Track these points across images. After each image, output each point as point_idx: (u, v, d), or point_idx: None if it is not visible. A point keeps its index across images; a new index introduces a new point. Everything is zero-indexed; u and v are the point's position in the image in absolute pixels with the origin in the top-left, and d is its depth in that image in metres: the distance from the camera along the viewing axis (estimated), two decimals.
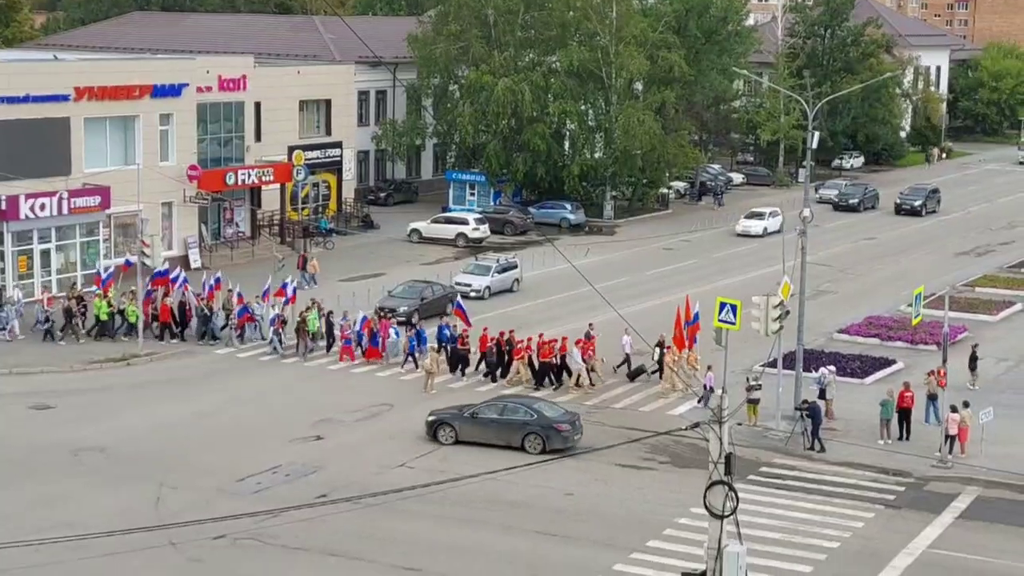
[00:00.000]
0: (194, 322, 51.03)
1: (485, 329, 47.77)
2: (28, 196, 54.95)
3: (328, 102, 77.25)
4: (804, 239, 43.90)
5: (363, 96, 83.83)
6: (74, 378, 46.07)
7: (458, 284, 59.17)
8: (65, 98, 57.95)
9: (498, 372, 46.90)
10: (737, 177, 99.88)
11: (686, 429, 23.63)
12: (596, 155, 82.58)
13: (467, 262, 64.37)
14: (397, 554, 31.49)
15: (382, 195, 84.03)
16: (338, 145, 77.57)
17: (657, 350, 45.84)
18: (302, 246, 66.76)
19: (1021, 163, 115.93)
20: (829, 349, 50.37)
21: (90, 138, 59.21)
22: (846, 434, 41.47)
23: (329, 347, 49.87)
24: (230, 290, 51.90)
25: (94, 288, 52.61)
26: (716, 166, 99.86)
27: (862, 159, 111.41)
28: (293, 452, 38.77)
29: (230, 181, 65.91)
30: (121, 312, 50.90)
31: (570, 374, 46.31)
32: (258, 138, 69.56)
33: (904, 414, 41.08)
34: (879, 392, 43.04)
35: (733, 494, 19.96)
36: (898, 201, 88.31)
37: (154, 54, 76.61)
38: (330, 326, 49.98)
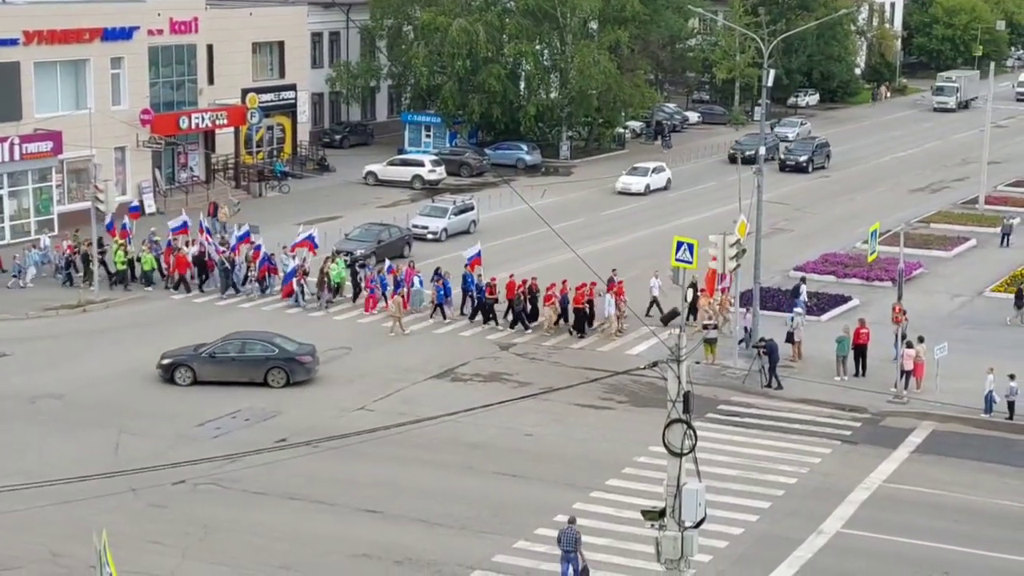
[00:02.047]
0: (215, 274, 50.26)
1: (511, 276, 46.92)
2: None
3: (281, 44, 76.53)
4: (760, 177, 44.03)
5: (316, 38, 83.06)
6: (30, 325, 45.75)
7: (415, 226, 59.04)
8: (14, 42, 57.14)
9: (522, 319, 46.09)
10: (693, 116, 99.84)
11: (644, 368, 23.71)
12: (552, 95, 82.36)
13: (424, 204, 64.16)
14: (358, 497, 31.59)
15: (337, 138, 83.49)
16: (292, 88, 76.95)
17: (690, 291, 45.59)
18: (210, 195, 64.76)
19: (935, 109, 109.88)
20: (786, 287, 50.62)
21: (40, 83, 58.47)
22: (803, 371, 41.80)
23: (355, 297, 49.04)
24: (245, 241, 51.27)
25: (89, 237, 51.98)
26: (671, 105, 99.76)
27: (817, 97, 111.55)
28: (251, 397, 38.71)
29: (183, 125, 65.32)
30: (138, 260, 50.52)
31: (590, 321, 45.62)
32: (211, 81, 68.85)
33: (860, 350, 41.41)
34: (835, 329, 43.35)
35: (691, 432, 20.11)
36: (782, 156, 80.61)
37: None
38: (355, 275, 49.14)
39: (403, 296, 46.47)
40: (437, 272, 48.04)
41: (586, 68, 78.53)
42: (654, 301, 46.76)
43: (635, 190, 70.82)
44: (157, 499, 30.84)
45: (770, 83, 48.36)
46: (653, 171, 72.82)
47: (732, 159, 75.01)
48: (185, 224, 52.81)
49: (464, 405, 35.77)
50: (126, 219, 53.17)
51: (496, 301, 46.63)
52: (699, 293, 45.14)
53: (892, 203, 69.94)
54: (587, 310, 45.43)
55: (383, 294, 48.01)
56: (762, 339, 41.44)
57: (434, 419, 33.16)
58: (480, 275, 47.55)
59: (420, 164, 73.09)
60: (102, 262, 50.36)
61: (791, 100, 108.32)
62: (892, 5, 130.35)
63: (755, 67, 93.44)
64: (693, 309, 45.14)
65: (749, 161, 71.95)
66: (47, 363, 41.44)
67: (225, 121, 68.04)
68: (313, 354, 40.56)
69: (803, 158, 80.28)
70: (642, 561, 27.95)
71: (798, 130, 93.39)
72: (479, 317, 46.77)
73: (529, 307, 46.30)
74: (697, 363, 40.56)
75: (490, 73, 78.03)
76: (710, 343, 42.22)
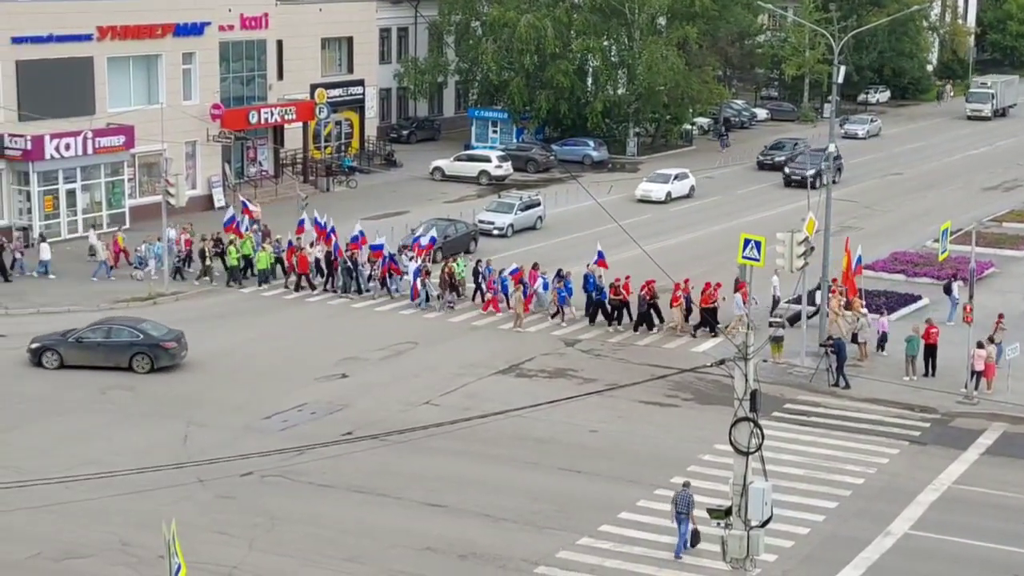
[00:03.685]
0: (338, 273, 49.97)
1: (627, 278, 45.96)
2: (53, 136, 55.02)
3: (350, 39, 76.94)
4: (829, 174, 43.69)
5: (385, 33, 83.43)
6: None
7: (481, 222, 59.13)
8: (88, 37, 57.86)
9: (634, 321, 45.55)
10: (761, 113, 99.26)
11: (711, 366, 23.62)
12: (619, 91, 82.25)
13: (490, 200, 64.28)
14: (423, 491, 31.70)
15: (404, 133, 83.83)
16: (360, 83, 77.36)
17: (819, 293, 45.24)
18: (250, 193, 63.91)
19: (969, 117, 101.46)
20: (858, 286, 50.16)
21: (114, 77, 59.16)
22: (871, 371, 41.43)
23: (475, 298, 48.51)
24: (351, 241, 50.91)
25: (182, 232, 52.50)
26: (740, 102, 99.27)
27: (888, 93, 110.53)
28: (318, 390, 38.97)
29: (253, 120, 65.85)
30: (247, 258, 50.65)
31: (701, 322, 44.99)
32: (280, 76, 69.39)
33: (930, 350, 40.98)
34: (905, 328, 42.94)
35: (758, 431, 20.01)
36: (787, 171, 73.36)
37: None
38: (477, 276, 48.57)
39: (525, 295, 45.94)
40: (559, 273, 47.35)
41: (654, 64, 78.33)
42: (776, 301, 46.09)
43: (655, 198, 67.47)
44: (225, 490, 31.12)
45: (840, 80, 47.86)
46: (675, 178, 69.65)
47: (787, 182, 71.93)
48: (233, 219, 52.68)
49: (529, 400, 35.79)
50: (235, 215, 53.10)
51: (623, 303, 45.82)
52: (830, 294, 44.64)
53: (964, 201, 69.17)
54: (714, 309, 44.69)
55: (504, 296, 47.49)
56: (829, 338, 41.13)
57: (500, 414, 33.21)
58: (600, 276, 46.70)
59: (487, 160, 73.21)
60: (219, 256, 50.74)
61: (861, 97, 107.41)
62: (965, 1, 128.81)
63: (825, 63, 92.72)
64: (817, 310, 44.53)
65: (806, 185, 71.28)
66: None
67: (294, 116, 68.52)
68: (179, 340, 40.81)
69: (810, 172, 70.53)
70: (708, 560, 27.85)
71: (868, 127, 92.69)
72: (598, 318, 46.03)
73: (637, 309, 45.50)
74: (764, 361, 40.32)
75: (558, 69, 78.01)
76: (777, 341, 41.95)
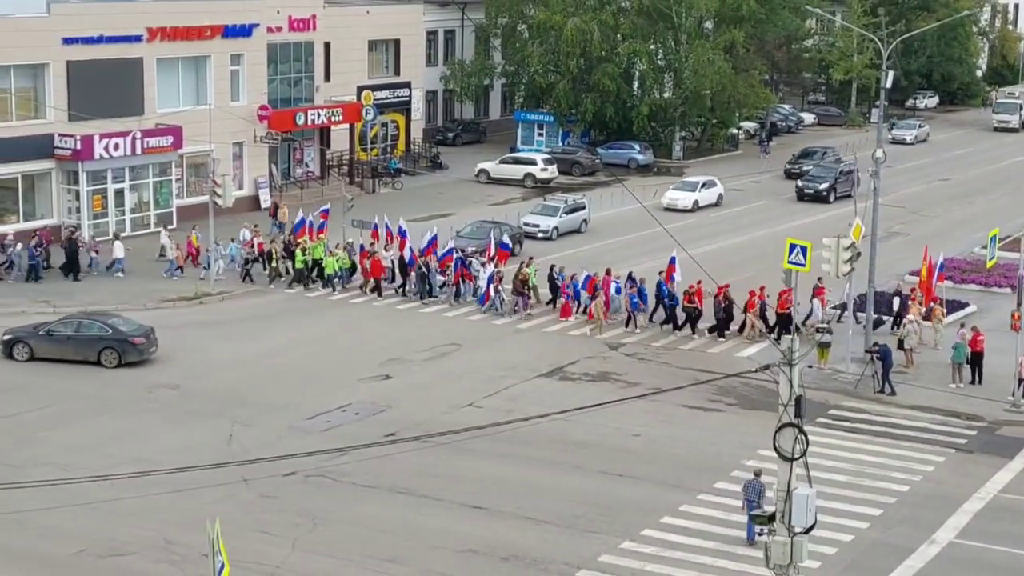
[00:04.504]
0: (412, 278, 49.60)
1: (699, 283, 45.17)
2: (102, 136, 55.46)
3: (397, 42, 77.19)
4: (876, 180, 43.45)
5: (432, 36, 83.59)
6: (147, 316, 46.50)
7: (526, 224, 59.14)
8: (138, 39, 58.31)
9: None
10: (808, 117, 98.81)
11: (755, 371, 23.53)
12: (665, 95, 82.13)
13: (535, 202, 64.29)
14: (465, 493, 31.73)
15: (450, 135, 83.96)
16: (407, 85, 77.56)
17: (896, 299, 44.97)
18: (274, 195, 64.17)
19: (996, 129, 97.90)
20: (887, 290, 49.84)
21: (162, 78, 59.59)
22: (917, 377, 41.13)
23: (552, 303, 48.02)
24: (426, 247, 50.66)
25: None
26: (787, 106, 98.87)
27: (936, 99, 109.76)
28: (362, 391, 39.09)
29: (300, 121, 66.16)
30: (318, 262, 50.50)
31: (767, 326, 44.60)
32: (327, 78, 69.67)
33: (976, 358, 40.64)
34: (951, 335, 42.60)
35: (803, 437, 19.90)
36: (800, 184, 70.94)
37: None
38: (552, 281, 48.02)
39: (604, 301, 45.60)
40: (631, 277, 46.98)
41: (701, 68, 78.15)
42: (843, 306, 45.78)
43: (682, 206, 65.87)
44: (268, 489, 31.25)
45: (888, 85, 47.58)
46: (703, 186, 68.13)
47: (800, 196, 69.76)
48: (304, 222, 52.89)
49: (572, 404, 35.77)
50: (308, 219, 53.12)
51: (699, 310, 45.30)
52: (909, 301, 44.26)
53: (1011, 207, 68.55)
54: (789, 314, 43.99)
55: (576, 300, 47.18)
56: (875, 344, 40.85)
57: (542, 417, 33.20)
58: (671, 282, 46.18)
59: (532, 163, 73.23)
60: (287, 257, 50.89)
61: (909, 102, 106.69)
62: (1016, 6, 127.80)
63: (873, 68, 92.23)
64: (897, 317, 44.23)
65: (822, 199, 68.55)
66: (163, 353, 42.15)
67: (340, 118, 68.80)
68: (148, 336, 41.12)
69: (823, 186, 70.24)
70: (750, 566, 27.75)
71: (915, 132, 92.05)
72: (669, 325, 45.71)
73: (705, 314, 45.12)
74: (809, 367, 40.09)
75: (604, 72, 77.95)
76: (823, 347, 41.71)
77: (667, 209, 64.95)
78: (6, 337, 41.19)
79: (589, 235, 60.49)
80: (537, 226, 59.21)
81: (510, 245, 52.00)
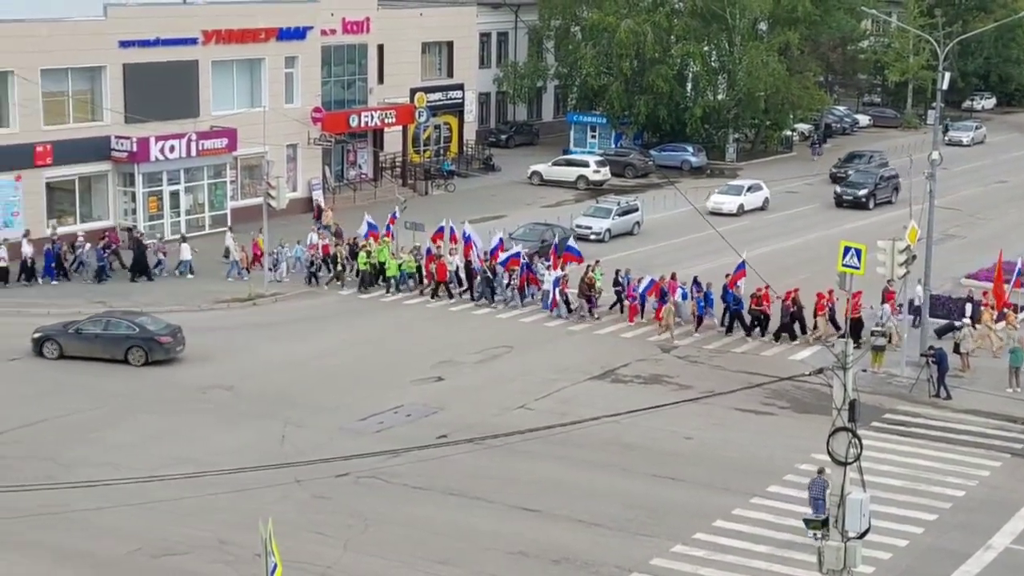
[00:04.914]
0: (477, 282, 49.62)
1: (767, 287, 44.92)
2: (158, 138, 55.93)
3: (450, 44, 77.36)
4: (932, 182, 43.09)
5: (485, 38, 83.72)
6: (202, 317, 46.96)
7: (578, 226, 59.09)
8: (193, 41, 58.77)
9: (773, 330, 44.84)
10: (863, 119, 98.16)
11: (809, 375, 23.38)
12: (719, 97, 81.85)
13: (588, 204, 64.26)
14: (517, 495, 31.72)
15: (503, 137, 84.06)
16: (460, 87, 77.71)
17: (969, 305, 44.61)
18: (322, 198, 63.93)
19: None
20: (956, 295, 49.41)
21: (217, 81, 60.03)
22: (973, 382, 40.73)
23: (616, 307, 47.65)
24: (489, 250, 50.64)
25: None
26: (841, 108, 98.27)
27: (994, 100, 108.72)
28: (414, 392, 39.17)
29: (353, 123, 66.45)
30: (382, 264, 50.45)
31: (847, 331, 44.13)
32: (381, 80, 69.91)
33: None
34: (1007, 339, 42.15)
35: (857, 441, 19.77)
36: (838, 190, 69.70)
37: None
38: (617, 284, 47.67)
39: (674, 305, 45.36)
40: (696, 282, 46.70)
41: (755, 70, 77.86)
42: (917, 310, 45.27)
43: (726, 210, 65.07)
44: (321, 490, 31.37)
45: (945, 86, 47.13)
46: (748, 189, 67.51)
47: (838, 202, 68.55)
48: (371, 227, 52.75)
49: (624, 406, 35.66)
50: (370, 221, 53.26)
51: (765, 314, 45.05)
52: (982, 307, 43.83)
53: None
54: (860, 319, 43.72)
55: (641, 305, 46.91)
56: (931, 348, 40.51)
57: (594, 420, 33.14)
58: (738, 286, 45.87)
59: (585, 164, 73.20)
60: (352, 260, 51.11)
61: (966, 104, 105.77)
62: None
63: (929, 70, 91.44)
64: (972, 322, 43.50)
65: (861, 205, 67.52)
66: (218, 354, 42.48)
67: (393, 120, 69.03)
68: (175, 335, 41.41)
69: (863, 192, 68.90)
70: (803, 571, 27.56)
71: (972, 134, 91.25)
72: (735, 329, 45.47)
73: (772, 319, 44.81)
74: (864, 371, 39.82)
75: (657, 74, 77.78)
76: (878, 351, 41.40)
77: (712, 213, 63.88)
78: (37, 335, 41.70)
79: (641, 237, 60.37)
80: (589, 228, 59.15)
81: (579, 250, 51.03)
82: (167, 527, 29.43)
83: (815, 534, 20.52)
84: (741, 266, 46.04)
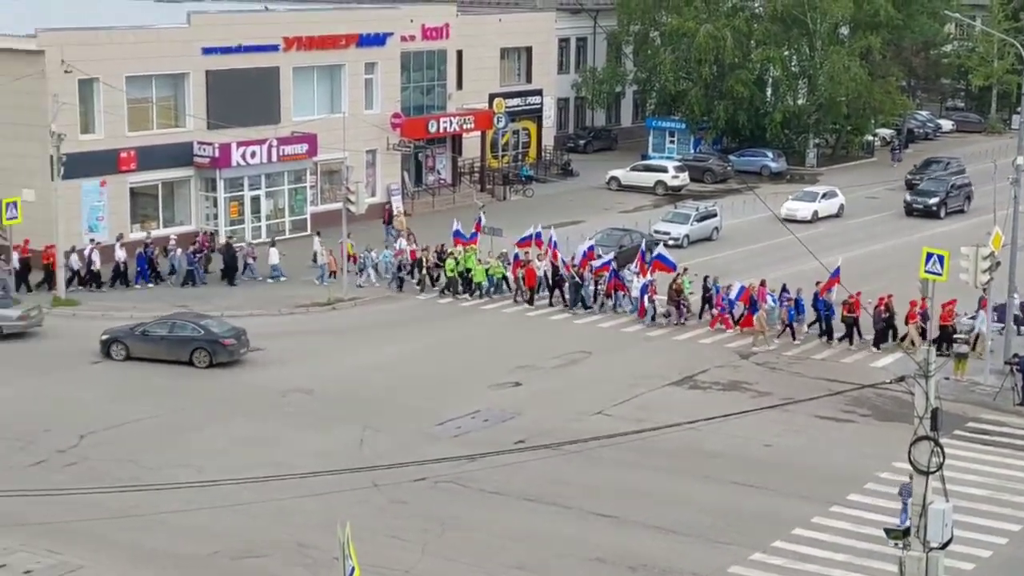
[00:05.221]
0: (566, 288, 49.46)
1: (858, 294, 44.57)
2: (239, 144, 56.52)
3: (529, 49, 77.43)
4: (1017, 187, 42.47)
5: (564, 43, 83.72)
6: (281, 321, 47.37)
7: (656, 232, 58.87)
8: (275, 48, 59.34)
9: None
10: (947, 124, 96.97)
11: (890, 383, 23.15)
12: (799, 102, 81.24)
13: (666, 210, 64.04)
14: (594, 501, 31.66)
15: (581, 142, 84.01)
16: (538, 92, 77.77)
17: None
18: (395, 205, 63.17)
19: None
20: None
21: (298, 87, 60.56)
22: None
23: (702, 314, 47.49)
24: (579, 255, 50.17)
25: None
26: (924, 112, 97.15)
27: None
28: (492, 397, 39.24)
29: (432, 129, 66.72)
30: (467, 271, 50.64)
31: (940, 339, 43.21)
32: (459, 86, 70.15)
33: None
34: None
35: (939, 450, 19.54)
36: (908, 199, 67.86)
37: (359, 3, 77.76)
38: (706, 291, 47.44)
39: (755, 312, 45.07)
40: (785, 289, 46.16)
41: (836, 74, 77.20)
42: (1018, 320, 44.21)
43: (800, 217, 64.01)
44: (399, 495, 31.52)
45: None
46: (823, 196, 66.65)
47: (908, 211, 66.96)
48: (535, 236, 51.94)
49: (702, 413, 35.49)
50: (458, 228, 53.02)
51: (857, 319, 44.43)
52: None
53: None
54: (952, 327, 43.17)
55: (730, 313, 46.50)
56: (1016, 355, 39.92)
57: (672, 426, 33.02)
58: (832, 294, 45.11)
59: (663, 170, 72.96)
60: (439, 266, 51.30)
61: None
62: None
63: (1014, 73, 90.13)
64: None
65: (932, 214, 65.72)
66: (298, 358, 42.83)
67: (472, 125, 69.22)
68: (239, 337, 41.77)
69: (933, 201, 66.87)
70: None
71: None
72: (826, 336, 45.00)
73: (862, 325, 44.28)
74: (946, 379, 39.33)
75: (737, 79, 77.39)
76: (961, 358, 40.87)
77: (786, 220, 62.11)
78: (105, 337, 42.40)
79: (720, 243, 60.06)
80: (668, 234, 58.90)
81: (675, 262, 49.61)
82: (248, 529, 29.73)
83: (897, 544, 20.27)
84: (835, 272, 45.41)
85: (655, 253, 50.02)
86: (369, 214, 56.26)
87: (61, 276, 48.78)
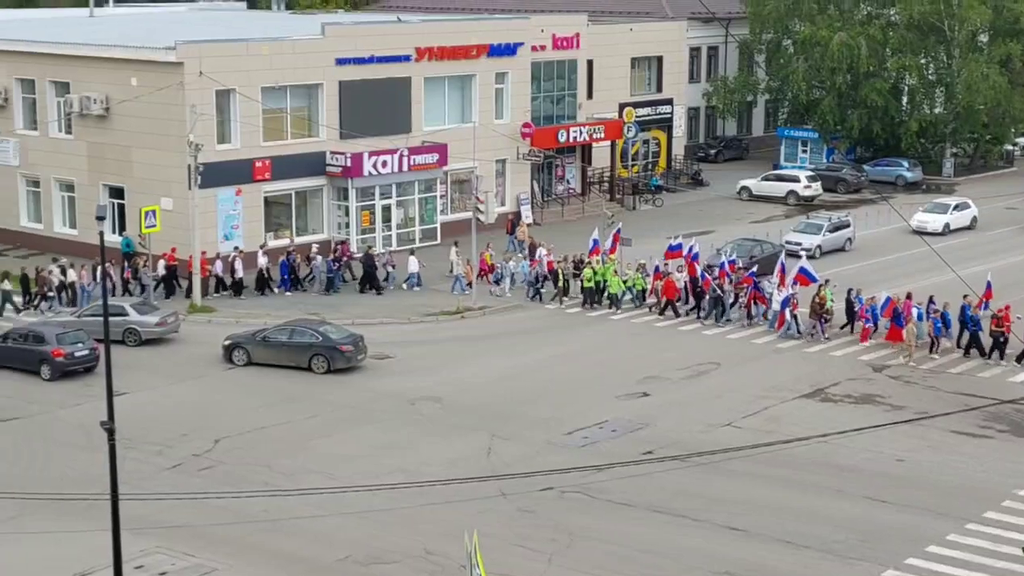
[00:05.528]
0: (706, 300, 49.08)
1: (1007, 307, 43.44)
2: (371, 154, 57.16)
3: (660, 59, 77.18)
4: None
5: (695, 53, 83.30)
6: (411, 329, 47.77)
7: (788, 243, 58.16)
8: (407, 58, 59.92)
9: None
10: None
11: None
12: (936, 111, 79.75)
13: (798, 220, 63.31)
14: (723, 514, 31.40)
15: (712, 152, 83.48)
16: (669, 102, 77.45)
17: None
18: (519, 215, 63.12)
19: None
20: None
21: (429, 97, 61.06)
22: None
23: (849, 327, 46.58)
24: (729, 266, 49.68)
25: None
26: None
27: None
28: (620, 408, 39.13)
29: (562, 138, 66.79)
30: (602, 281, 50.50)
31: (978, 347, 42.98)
32: (590, 96, 70.13)
33: None
34: None
35: None
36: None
37: (490, 14, 78.21)
38: (850, 305, 46.42)
39: (901, 325, 44.14)
40: (932, 301, 45.17)
41: (974, 83, 75.61)
42: None
43: (931, 229, 62.10)
44: (526, 504, 31.57)
45: None
46: (955, 208, 64.83)
47: None
48: (679, 247, 51.73)
49: (833, 426, 34.98)
50: (595, 238, 52.96)
51: (1005, 336, 43.21)
52: None
53: None
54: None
55: (875, 325, 45.76)
56: None
57: (803, 440, 32.60)
58: (974, 305, 43.93)
59: (795, 180, 72.16)
60: (576, 276, 51.28)
61: None
62: None
63: None
64: None
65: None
66: (426, 366, 43.14)
67: (602, 135, 69.14)
68: (357, 344, 42.07)
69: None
70: None
71: None
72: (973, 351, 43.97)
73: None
74: None
75: (871, 88, 76.27)
76: None
77: (916, 232, 60.28)
78: (227, 343, 43.27)
79: (853, 254, 59.18)
80: (800, 244, 58.16)
81: (817, 276, 48.71)
82: (377, 536, 30.01)
83: None
84: (988, 286, 44.32)
85: (798, 266, 49.22)
86: (498, 223, 56.47)
87: (197, 283, 49.83)
